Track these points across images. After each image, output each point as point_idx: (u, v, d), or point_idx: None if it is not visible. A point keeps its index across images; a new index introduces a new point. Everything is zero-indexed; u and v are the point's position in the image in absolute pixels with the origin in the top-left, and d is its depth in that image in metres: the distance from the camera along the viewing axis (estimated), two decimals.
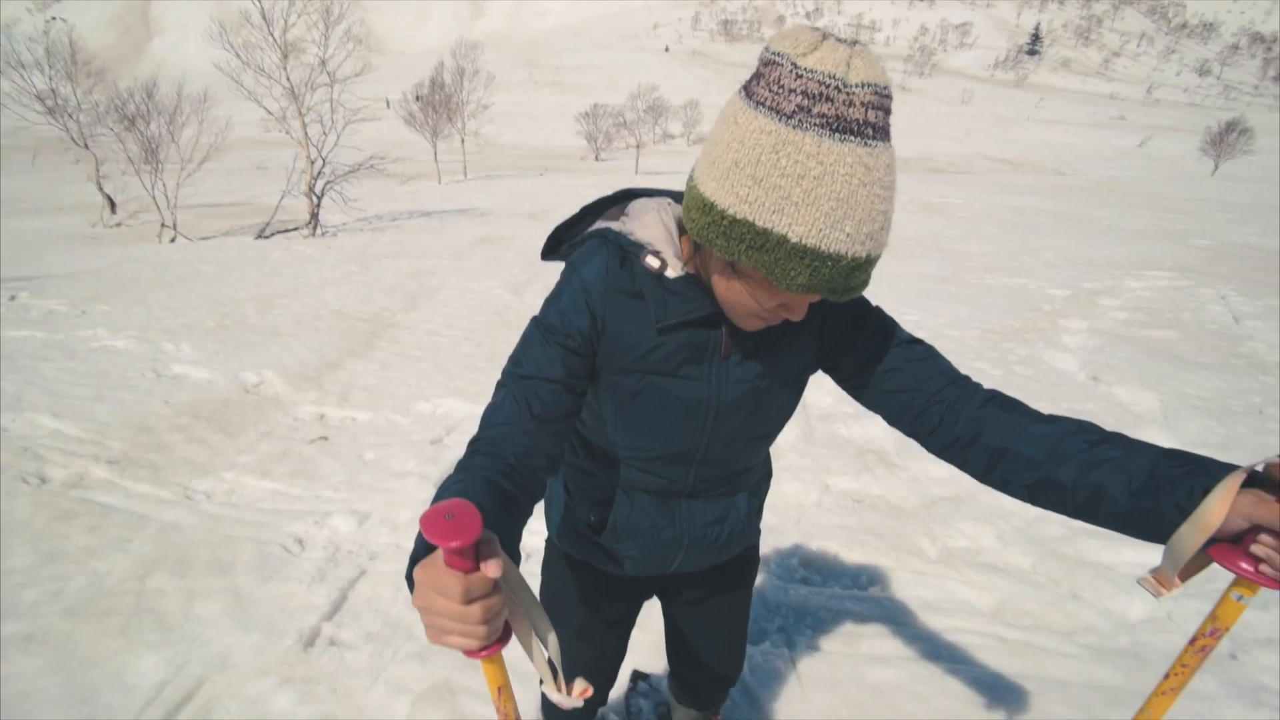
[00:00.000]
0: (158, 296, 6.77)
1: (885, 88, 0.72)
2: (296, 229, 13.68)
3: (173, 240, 13.15)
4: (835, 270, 0.73)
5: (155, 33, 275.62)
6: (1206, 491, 0.72)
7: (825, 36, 0.72)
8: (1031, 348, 5.56)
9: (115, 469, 3.26)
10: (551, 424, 0.92)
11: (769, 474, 1.28)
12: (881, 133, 0.71)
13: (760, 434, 1.08)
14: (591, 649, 1.36)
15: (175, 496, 3.07)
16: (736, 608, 1.43)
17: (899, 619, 2.36)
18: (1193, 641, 0.82)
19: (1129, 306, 7.14)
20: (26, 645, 2.14)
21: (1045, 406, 3.37)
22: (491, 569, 0.61)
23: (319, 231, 13.15)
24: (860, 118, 0.69)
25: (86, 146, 18.75)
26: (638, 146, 48.27)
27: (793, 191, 0.70)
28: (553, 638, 0.74)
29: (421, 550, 0.68)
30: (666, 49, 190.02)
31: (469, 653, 0.66)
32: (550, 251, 1.07)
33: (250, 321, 5.93)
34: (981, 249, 11.04)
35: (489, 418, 0.91)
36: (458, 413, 4.10)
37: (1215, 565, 0.77)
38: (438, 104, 35.61)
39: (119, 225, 16.10)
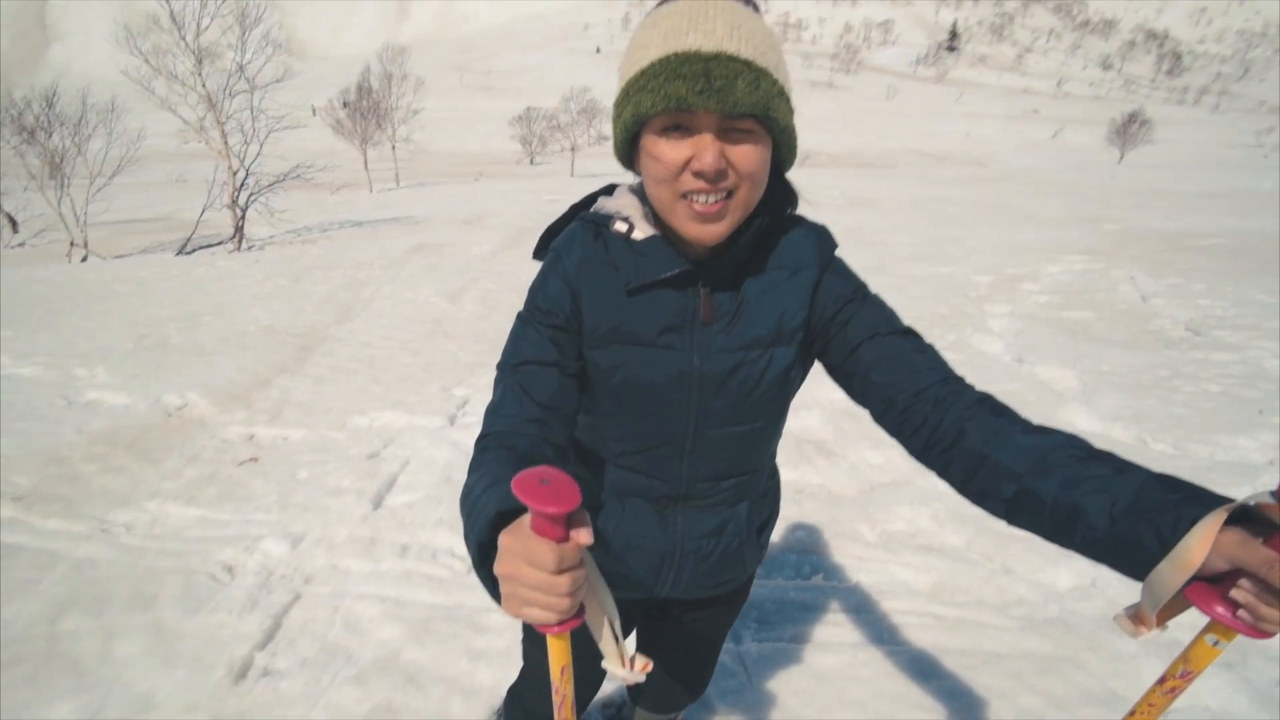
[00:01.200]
0: (69, 319, 6.39)
1: None
2: (221, 244, 13.13)
3: (84, 259, 12.45)
4: (687, 65, 0.78)
5: (53, 39, 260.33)
6: (1194, 523, 0.64)
7: None
8: (960, 333, 5.77)
9: (21, 505, 3.05)
10: (555, 410, 0.92)
11: (776, 492, 1.20)
12: None
13: (753, 420, 1.01)
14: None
15: (90, 531, 2.89)
16: (718, 632, 1.38)
17: (841, 605, 2.41)
18: (1161, 681, 0.74)
19: (1048, 290, 7.49)
20: None
21: None
22: (584, 536, 0.61)
23: (245, 245, 12.65)
24: None
25: None
26: (572, 149, 48.08)
27: (640, 40, 0.84)
28: (618, 617, 0.76)
29: (489, 518, 0.68)
30: (598, 50, 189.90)
31: (544, 627, 0.64)
32: (541, 251, 1.06)
33: (173, 342, 5.65)
34: (909, 239, 11.41)
35: (492, 414, 0.91)
36: (396, 424, 4.00)
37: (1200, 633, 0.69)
38: (366, 110, 34.76)
39: (22, 245, 15.15)
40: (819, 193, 21.08)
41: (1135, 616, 0.71)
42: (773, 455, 1.15)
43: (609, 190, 1.04)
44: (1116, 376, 4.66)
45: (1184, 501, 0.66)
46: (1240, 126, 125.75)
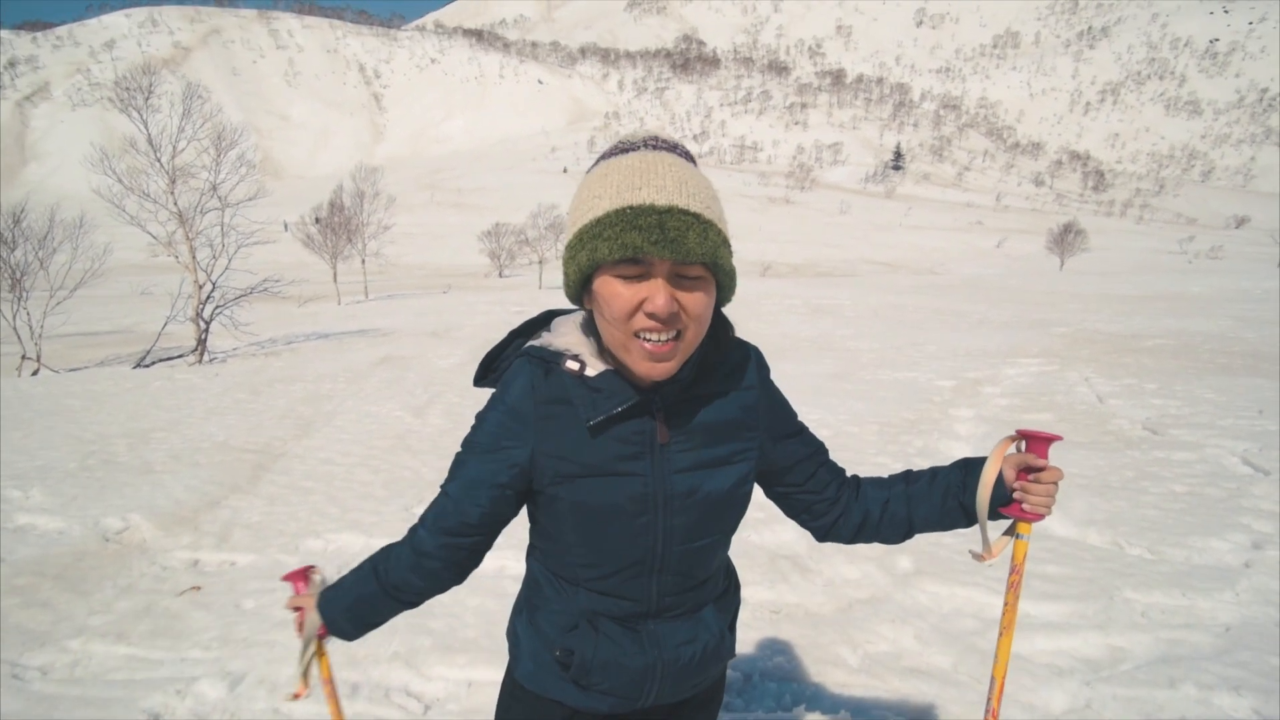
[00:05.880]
0: (9, 437, 6.10)
1: (672, 140, 0.94)
2: (181, 356, 12.90)
3: (35, 373, 12.08)
4: (642, 218, 0.83)
5: (31, 158, 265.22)
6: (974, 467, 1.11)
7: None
8: (927, 438, 5.80)
9: None
10: (474, 533, 1.07)
11: (735, 586, 1.25)
12: (664, 148, 0.92)
13: (714, 533, 1.07)
14: None
15: None
16: None
17: None
18: (1008, 588, 1.15)
19: (1008, 392, 7.66)
20: None
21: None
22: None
23: (206, 358, 12.43)
24: (640, 143, 0.92)
25: None
26: (540, 262, 49.36)
27: (593, 191, 0.89)
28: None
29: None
30: (565, 170, 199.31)
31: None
32: (482, 378, 1.10)
33: (120, 459, 5.40)
34: (871, 345, 11.71)
35: (426, 520, 1.10)
36: (353, 547, 3.79)
37: (1010, 538, 1.12)
38: (337, 226, 35.52)
39: None
40: (781, 301, 21.74)
41: (981, 553, 1.09)
42: (726, 556, 1.22)
43: (546, 319, 1.08)
44: (1084, 479, 4.69)
45: (955, 465, 1.15)
46: (1163, 236, 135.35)
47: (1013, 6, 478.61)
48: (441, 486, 1.08)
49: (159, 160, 13.68)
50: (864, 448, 5.51)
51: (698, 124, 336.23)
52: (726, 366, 1.06)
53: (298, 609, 1.25)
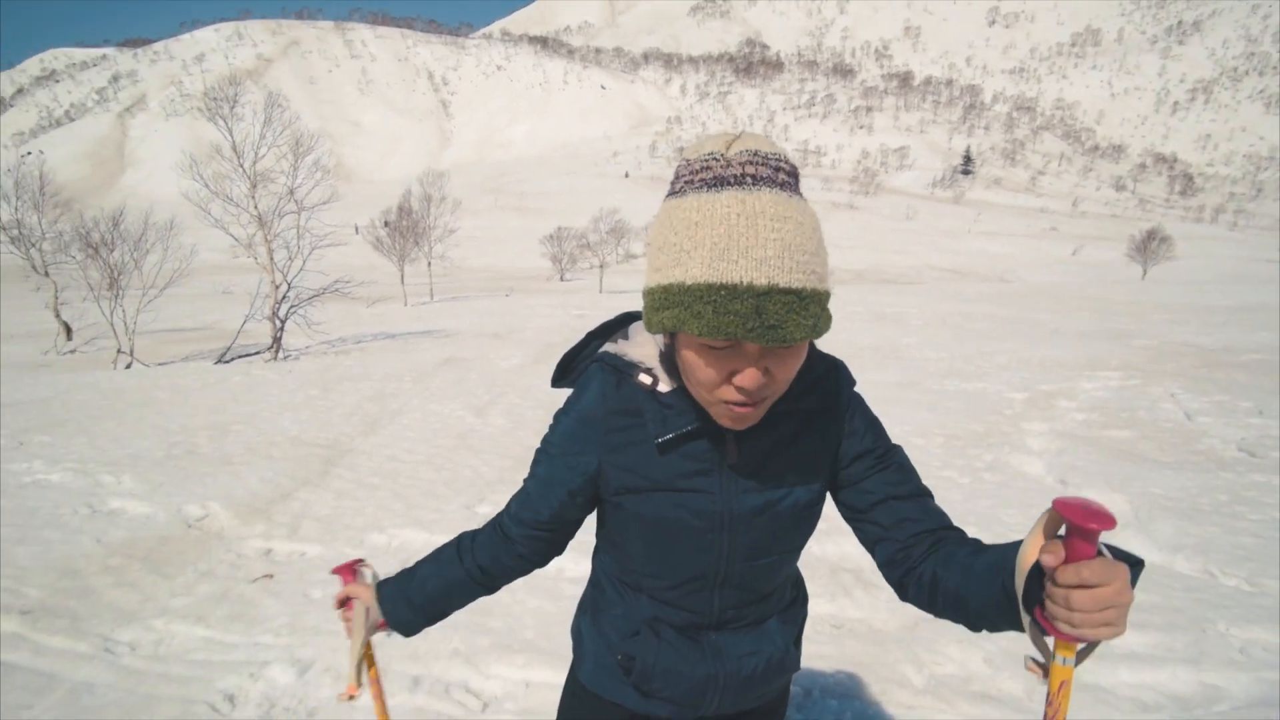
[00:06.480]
0: (105, 425, 6.50)
1: (769, 154, 0.79)
2: (258, 353, 13.53)
3: (128, 366, 12.87)
4: (738, 301, 0.73)
5: (128, 165, 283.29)
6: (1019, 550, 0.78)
7: (718, 136, 0.82)
8: (997, 452, 5.57)
9: (27, 620, 2.96)
10: (551, 528, 1.08)
11: (803, 598, 1.21)
12: (764, 181, 0.77)
13: (780, 551, 1.04)
14: None
15: (93, 650, 2.77)
16: None
17: None
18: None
19: (1085, 407, 7.29)
20: None
21: (1016, 514, 3.32)
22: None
23: (281, 355, 13.01)
24: (737, 173, 0.77)
25: (47, 274, 18.70)
26: (601, 266, 49.81)
27: (682, 243, 0.77)
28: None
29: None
30: (626, 175, 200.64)
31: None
32: (560, 379, 1.10)
33: (201, 450, 5.68)
34: (938, 355, 11.35)
35: (507, 514, 1.12)
36: (415, 543, 3.88)
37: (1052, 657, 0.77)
38: (405, 229, 36.67)
39: (73, 352, 15.79)
40: (844, 308, 21.32)
41: (1034, 666, 0.78)
42: (794, 569, 1.17)
43: (624, 321, 1.07)
44: (1171, 501, 4.41)
45: (1009, 545, 0.84)
46: (1260, 243, 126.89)
47: (1093, 3, 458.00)
48: (524, 479, 1.09)
49: (242, 166, 14.45)
50: (929, 460, 5.33)
51: (760, 128, 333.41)
52: (806, 382, 0.99)
53: (346, 604, 1.19)
